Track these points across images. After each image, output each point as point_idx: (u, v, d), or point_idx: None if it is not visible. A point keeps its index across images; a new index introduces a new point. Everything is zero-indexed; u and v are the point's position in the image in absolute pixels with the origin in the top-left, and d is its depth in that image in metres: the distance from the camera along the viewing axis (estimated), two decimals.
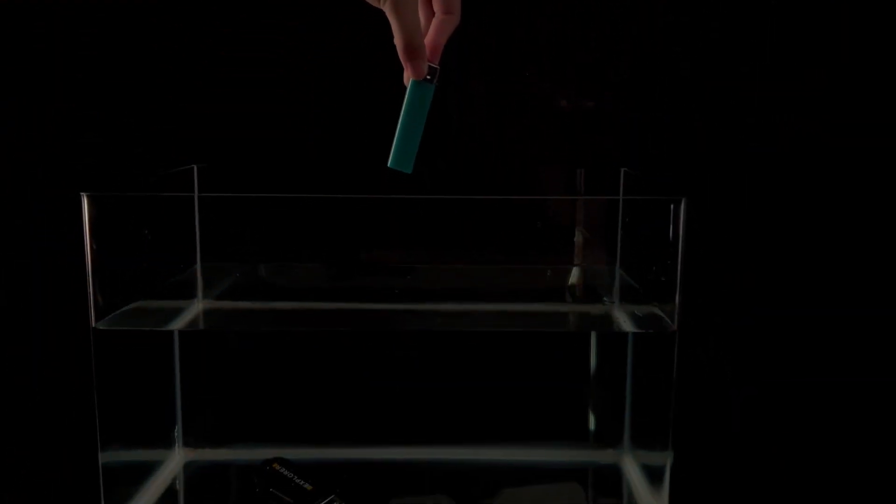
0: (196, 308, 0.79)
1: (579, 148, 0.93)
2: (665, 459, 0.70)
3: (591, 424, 0.89)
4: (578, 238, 0.90)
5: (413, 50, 0.62)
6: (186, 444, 0.87)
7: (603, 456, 0.87)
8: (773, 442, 0.90)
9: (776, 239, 0.94)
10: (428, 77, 0.64)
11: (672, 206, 0.65)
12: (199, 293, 0.83)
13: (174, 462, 0.85)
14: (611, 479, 0.84)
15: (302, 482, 0.75)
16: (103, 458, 0.69)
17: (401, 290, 0.80)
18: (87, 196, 0.66)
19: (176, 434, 0.86)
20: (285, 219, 0.88)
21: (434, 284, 0.82)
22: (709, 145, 0.93)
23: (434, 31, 0.65)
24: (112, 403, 0.70)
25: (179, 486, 0.82)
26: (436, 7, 0.65)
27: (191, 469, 0.85)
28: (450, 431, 0.87)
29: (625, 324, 0.75)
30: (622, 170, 0.88)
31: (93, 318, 0.68)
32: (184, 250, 0.87)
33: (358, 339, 0.87)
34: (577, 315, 0.75)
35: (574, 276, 0.87)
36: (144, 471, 0.79)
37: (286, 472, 0.76)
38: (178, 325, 0.76)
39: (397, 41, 0.62)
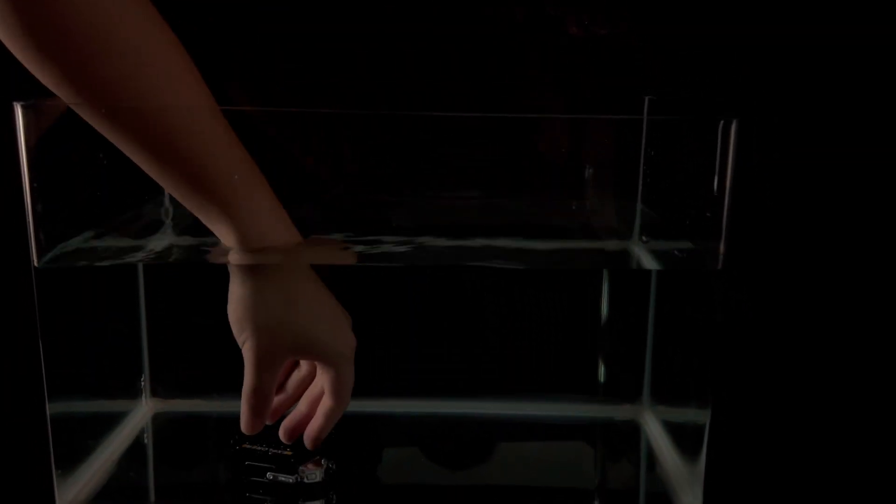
0: (164, 242, 0.73)
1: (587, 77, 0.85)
2: (698, 417, 0.66)
3: (603, 376, 0.85)
4: (589, 170, 0.83)
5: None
6: (154, 394, 0.83)
7: (619, 412, 0.83)
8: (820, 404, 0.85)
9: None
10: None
11: (721, 124, 0.60)
12: (168, 224, 0.76)
13: (141, 414, 0.82)
14: (629, 437, 0.81)
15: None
16: (53, 409, 0.65)
17: (396, 224, 0.75)
18: (22, 106, 0.59)
19: (142, 383, 0.82)
20: (265, 139, 0.79)
21: (428, 218, 0.77)
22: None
23: (323, 418, 0.66)
24: (64, 350, 0.66)
25: (147, 441, 0.79)
26: (326, 391, 0.65)
27: (159, 421, 0.82)
28: (444, 382, 0.84)
29: (650, 262, 0.71)
30: (646, 98, 0.82)
31: (34, 256, 0.62)
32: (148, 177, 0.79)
33: (346, 276, 0.81)
34: (593, 252, 0.72)
35: (583, 209, 0.82)
36: (107, 424, 0.76)
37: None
38: (138, 256, 0.70)
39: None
